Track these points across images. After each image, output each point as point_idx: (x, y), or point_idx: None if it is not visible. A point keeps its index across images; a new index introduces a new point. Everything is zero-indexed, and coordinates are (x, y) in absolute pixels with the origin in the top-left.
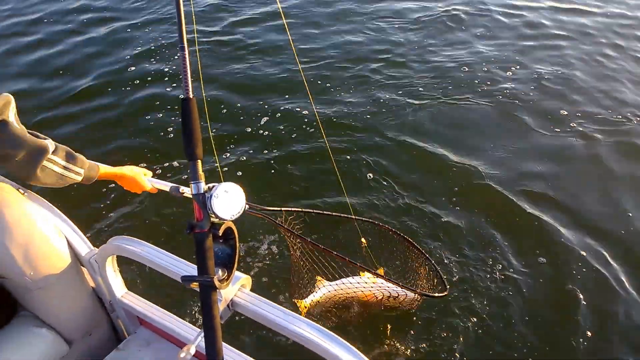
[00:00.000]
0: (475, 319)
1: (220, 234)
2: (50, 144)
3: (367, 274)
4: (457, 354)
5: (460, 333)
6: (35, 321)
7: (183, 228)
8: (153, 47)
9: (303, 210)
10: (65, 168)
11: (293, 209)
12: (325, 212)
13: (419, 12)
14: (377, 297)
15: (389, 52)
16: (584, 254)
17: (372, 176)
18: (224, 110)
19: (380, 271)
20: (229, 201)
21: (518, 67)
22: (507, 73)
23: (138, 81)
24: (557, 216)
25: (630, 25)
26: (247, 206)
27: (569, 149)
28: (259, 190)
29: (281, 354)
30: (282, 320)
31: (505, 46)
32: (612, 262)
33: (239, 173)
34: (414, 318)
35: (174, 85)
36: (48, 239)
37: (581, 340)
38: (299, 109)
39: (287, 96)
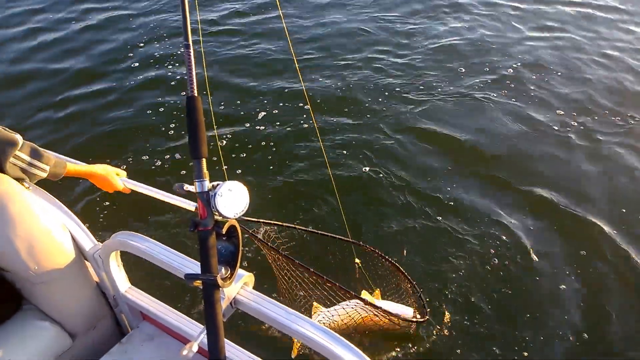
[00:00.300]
0: (474, 319)
1: (224, 232)
2: (19, 138)
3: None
4: (457, 354)
5: (460, 332)
6: (39, 314)
7: (187, 224)
8: (156, 36)
9: (284, 224)
10: (30, 164)
11: (273, 222)
12: (309, 230)
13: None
14: (374, 321)
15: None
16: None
17: (367, 169)
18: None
19: (377, 294)
20: (233, 200)
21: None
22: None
23: (141, 76)
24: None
25: None
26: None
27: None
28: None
29: (283, 351)
30: (284, 318)
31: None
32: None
33: (239, 171)
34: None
35: (177, 81)
36: (52, 233)
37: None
38: (297, 109)
39: (285, 94)
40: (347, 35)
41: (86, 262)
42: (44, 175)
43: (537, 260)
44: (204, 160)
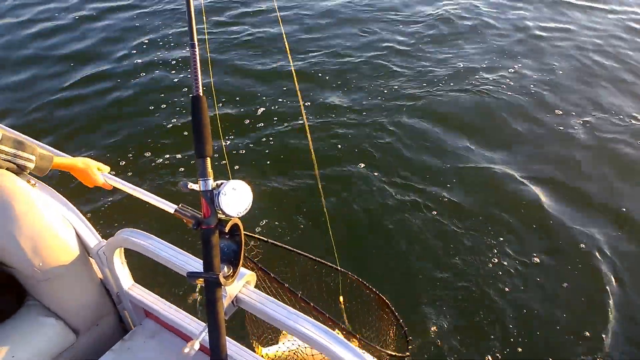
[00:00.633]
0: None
1: (227, 230)
2: None
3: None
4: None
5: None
6: (44, 310)
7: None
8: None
9: (271, 241)
10: (14, 155)
11: (258, 237)
12: (295, 250)
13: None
14: None
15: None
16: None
17: (363, 167)
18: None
19: (354, 343)
20: (236, 198)
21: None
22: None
23: (144, 73)
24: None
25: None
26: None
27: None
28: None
29: None
30: (286, 318)
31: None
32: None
33: (236, 167)
34: (415, 319)
35: (181, 76)
36: (57, 230)
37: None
38: (290, 110)
39: (284, 90)
40: (349, 31)
41: (90, 259)
42: (32, 165)
43: (541, 260)
44: (208, 159)
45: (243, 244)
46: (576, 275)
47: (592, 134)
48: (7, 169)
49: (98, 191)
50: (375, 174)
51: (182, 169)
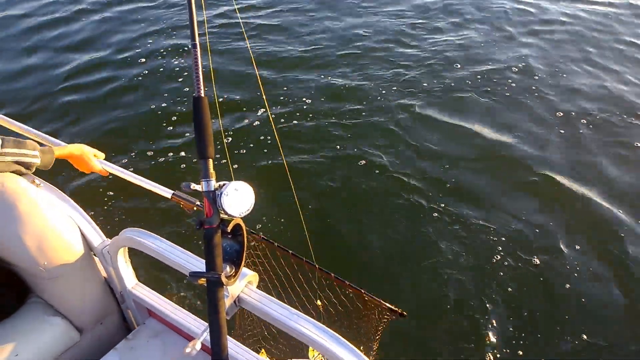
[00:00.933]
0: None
1: (229, 230)
2: None
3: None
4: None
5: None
6: (48, 308)
7: (193, 221)
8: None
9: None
10: (20, 154)
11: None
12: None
13: None
14: None
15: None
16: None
17: (364, 162)
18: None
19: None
20: (239, 199)
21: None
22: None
23: (147, 70)
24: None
25: None
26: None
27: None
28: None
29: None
30: (287, 318)
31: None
32: None
33: (235, 166)
34: (416, 318)
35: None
36: (61, 229)
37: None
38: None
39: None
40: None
41: (94, 258)
42: (38, 161)
43: (544, 257)
44: (210, 160)
45: (245, 244)
46: (578, 277)
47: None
48: (15, 170)
49: (103, 190)
50: (377, 167)
51: (184, 166)
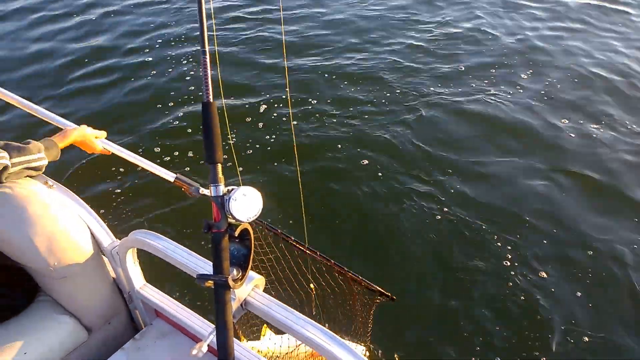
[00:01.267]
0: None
1: (237, 235)
2: (2, 157)
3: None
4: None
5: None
6: (57, 307)
7: (201, 222)
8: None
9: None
10: (28, 162)
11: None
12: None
13: None
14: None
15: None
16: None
17: (367, 162)
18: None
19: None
20: (247, 204)
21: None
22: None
23: (155, 71)
24: None
25: None
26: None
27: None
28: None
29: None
30: (293, 322)
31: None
32: None
33: (241, 169)
34: (415, 320)
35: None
36: (72, 230)
37: None
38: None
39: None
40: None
41: (104, 258)
42: (46, 162)
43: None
44: (219, 165)
45: (252, 248)
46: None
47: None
48: (27, 175)
49: (113, 191)
50: (380, 165)
51: (187, 169)
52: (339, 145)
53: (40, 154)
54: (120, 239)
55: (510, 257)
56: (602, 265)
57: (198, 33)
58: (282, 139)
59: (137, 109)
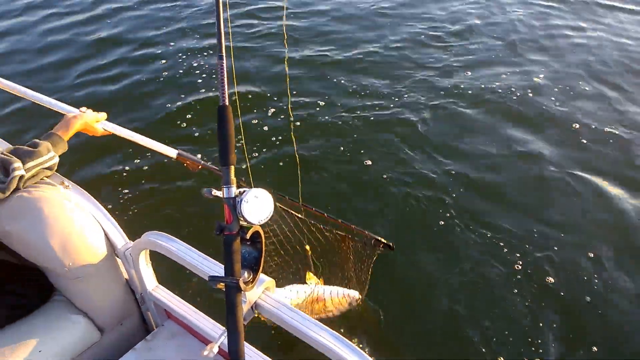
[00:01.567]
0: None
1: (248, 237)
2: (17, 167)
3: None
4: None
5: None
6: (71, 307)
7: (213, 224)
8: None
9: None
10: (40, 163)
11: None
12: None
13: None
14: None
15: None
16: None
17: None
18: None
19: (321, 282)
20: (258, 206)
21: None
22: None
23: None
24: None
25: None
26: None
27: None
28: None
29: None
30: (303, 326)
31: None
32: None
33: (243, 166)
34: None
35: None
36: (86, 231)
37: None
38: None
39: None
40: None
41: (117, 259)
42: (57, 160)
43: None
44: (232, 167)
45: (264, 250)
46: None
47: None
48: (43, 176)
49: (126, 192)
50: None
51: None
52: (342, 148)
53: (50, 153)
54: (133, 241)
55: (520, 262)
56: (612, 273)
57: (213, 30)
58: (286, 140)
59: (147, 99)
